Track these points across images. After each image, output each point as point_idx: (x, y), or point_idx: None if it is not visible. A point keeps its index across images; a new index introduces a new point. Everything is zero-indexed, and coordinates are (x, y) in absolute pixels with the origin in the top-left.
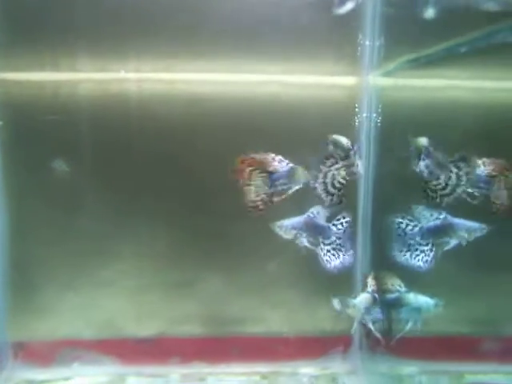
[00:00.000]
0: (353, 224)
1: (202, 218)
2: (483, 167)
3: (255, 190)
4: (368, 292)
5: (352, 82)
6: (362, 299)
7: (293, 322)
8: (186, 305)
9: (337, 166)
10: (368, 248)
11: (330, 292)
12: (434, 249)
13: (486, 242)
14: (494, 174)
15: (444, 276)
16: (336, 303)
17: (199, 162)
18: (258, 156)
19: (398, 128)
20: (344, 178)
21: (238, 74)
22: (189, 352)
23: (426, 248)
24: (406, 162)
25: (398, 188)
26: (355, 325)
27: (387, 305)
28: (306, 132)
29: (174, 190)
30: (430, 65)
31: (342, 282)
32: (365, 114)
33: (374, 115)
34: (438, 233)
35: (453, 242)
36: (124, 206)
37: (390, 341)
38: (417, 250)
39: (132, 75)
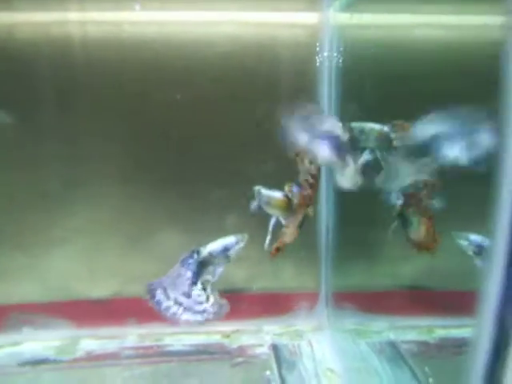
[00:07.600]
0: None
1: (158, 169)
2: None
3: None
4: None
5: (313, 20)
6: None
7: (256, 279)
8: (142, 263)
9: None
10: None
11: (295, 246)
12: None
13: None
14: None
15: None
16: None
17: (150, 109)
18: None
19: (361, 69)
20: None
21: (191, 12)
22: (146, 312)
23: None
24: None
25: None
26: None
27: None
28: (265, 74)
29: (125, 140)
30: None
31: (306, 234)
32: (326, 53)
33: (335, 54)
34: None
35: None
36: (72, 159)
37: None
38: None
39: (75, 15)
